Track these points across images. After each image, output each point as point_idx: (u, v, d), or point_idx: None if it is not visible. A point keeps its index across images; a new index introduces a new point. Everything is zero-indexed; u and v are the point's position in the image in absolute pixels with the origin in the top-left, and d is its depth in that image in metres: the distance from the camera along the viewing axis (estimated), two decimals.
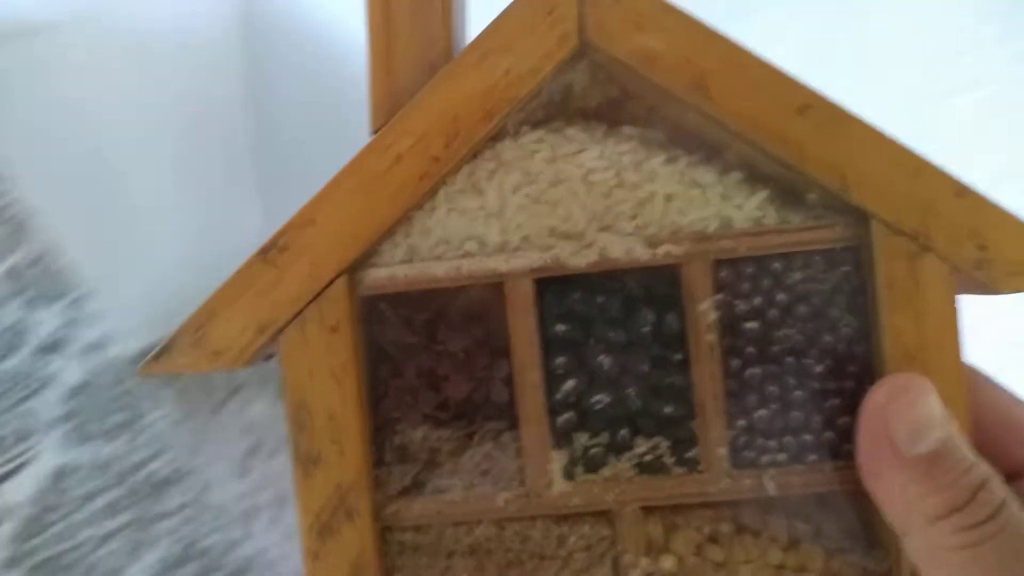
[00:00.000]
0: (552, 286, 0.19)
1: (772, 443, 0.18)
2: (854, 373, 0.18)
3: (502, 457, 0.19)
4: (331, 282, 0.18)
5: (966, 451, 0.16)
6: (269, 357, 0.20)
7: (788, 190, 0.18)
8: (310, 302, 0.18)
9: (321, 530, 0.18)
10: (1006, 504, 0.16)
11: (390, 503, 0.19)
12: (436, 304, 0.19)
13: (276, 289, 0.18)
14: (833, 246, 0.18)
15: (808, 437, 0.18)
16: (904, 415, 0.16)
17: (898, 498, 0.16)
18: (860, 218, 0.18)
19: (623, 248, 0.18)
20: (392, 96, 0.18)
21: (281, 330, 0.18)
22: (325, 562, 0.18)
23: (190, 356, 0.18)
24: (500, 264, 0.18)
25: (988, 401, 0.19)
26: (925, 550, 0.16)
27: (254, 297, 0.18)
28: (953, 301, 0.18)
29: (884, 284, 0.18)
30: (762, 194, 0.19)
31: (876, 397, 0.17)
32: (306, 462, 0.18)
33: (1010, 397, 0.19)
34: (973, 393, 0.18)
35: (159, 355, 0.18)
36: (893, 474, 0.16)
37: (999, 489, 0.16)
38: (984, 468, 0.16)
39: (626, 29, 0.18)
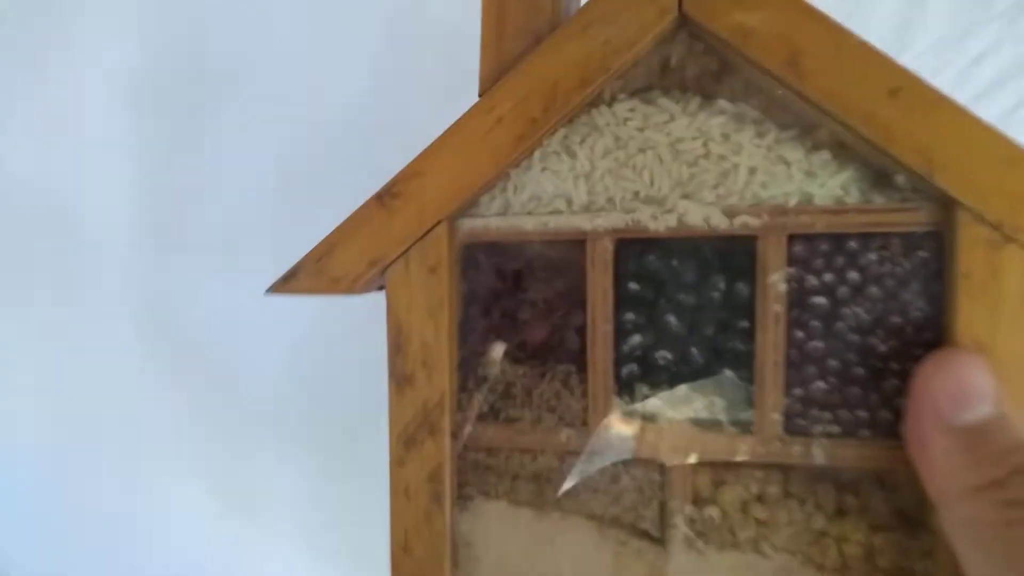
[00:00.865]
0: (631, 246, 0.20)
1: (826, 415, 0.19)
2: (919, 357, 0.18)
3: (568, 397, 0.21)
4: (433, 227, 0.21)
5: (1017, 433, 0.16)
6: (380, 288, 0.23)
7: (875, 171, 0.19)
8: (414, 243, 0.21)
9: (407, 441, 0.21)
10: None
11: (468, 424, 0.21)
12: (524, 255, 0.21)
13: (387, 229, 0.21)
14: (914, 229, 0.19)
15: (863, 413, 0.19)
16: (949, 383, 0.17)
17: (939, 467, 0.17)
18: (945, 204, 0.18)
19: (702, 216, 0.19)
20: (500, 63, 0.20)
21: (389, 265, 0.21)
22: (407, 469, 0.21)
23: (311, 281, 0.21)
24: (584, 223, 0.20)
25: None
26: (960, 523, 0.16)
27: (368, 235, 0.21)
28: None
29: (961, 272, 0.18)
30: (847, 173, 0.19)
31: (926, 366, 0.17)
32: (400, 381, 0.21)
33: None
34: None
35: (286, 280, 0.22)
36: (937, 441, 0.17)
37: None
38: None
39: (724, 4, 0.19)
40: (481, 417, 0.21)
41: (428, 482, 0.21)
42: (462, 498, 0.22)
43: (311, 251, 0.21)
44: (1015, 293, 0.18)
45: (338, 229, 0.21)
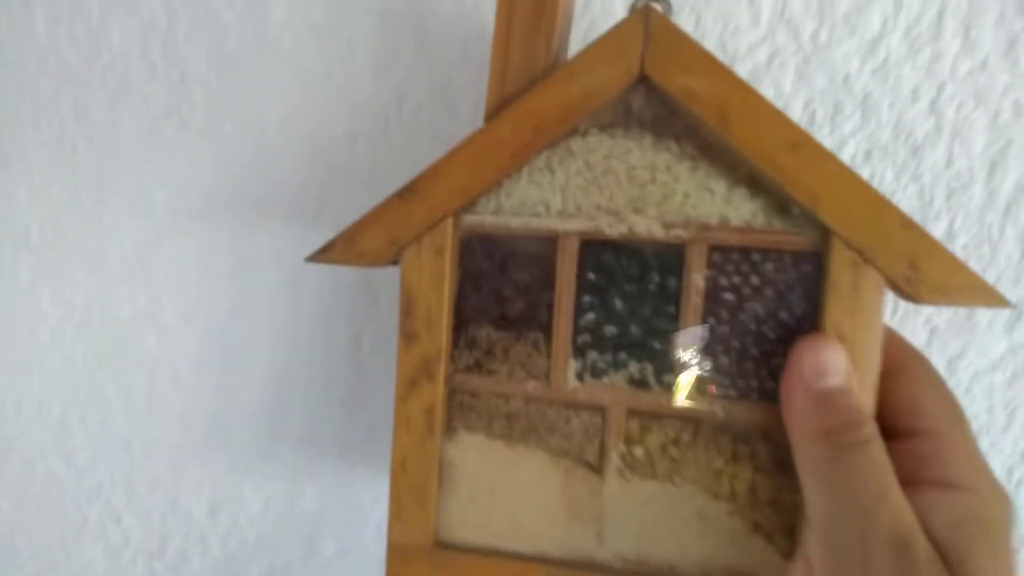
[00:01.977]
0: (592, 245, 0.26)
1: (727, 381, 0.26)
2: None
3: (537, 357, 0.27)
4: (441, 219, 0.27)
5: (857, 400, 0.23)
6: (394, 263, 0.29)
7: (777, 203, 0.25)
8: (426, 231, 0.27)
9: (410, 383, 0.27)
10: (871, 442, 0.22)
11: (457, 374, 0.28)
12: (509, 246, 0.27)
13: (405, 218, 0.27)
14: (801, 249, 0.25)
15: (754, 382, 0.25)
16: (812, 358, 0.23)
17: (796, 420, 0.23)
18: (825, 232, 0.24)
19: (646, 226, 0.26)
20: (502, 98, 0.26)
21: (405, 246, 0.27)
22: (409, 404, 0.27)
23: (344, 254, 0.27)
24: (557, 225, 0.26)
25: (905, 375, 0.25)
26: (805, 458, 0.23)
27: (390, 221, 0.27)
28: (881, 304, 0.24)
29: (832, 283, 0.24)
30: (756, 203, 0.25)
31: (800, 343, 0.24)
32: (408, 337, 0.27)
33: (926, 381, 0.25)
34: (899, 367, 0.24)
35: (323, 251, 0.28)
36: (799, 398, 0.23)
37: (871, 432, 0.22)
38: (864, 416, 0.23)
39: (675, 70, 0.25)
40: (468, 368, 0.28)
41: (424, 415, 0.27)
42: (449, 430, 0.28)
43: (344, 230, 0.27)
44: (868, 301, 0.24)
45: (366, 216, 0.27)
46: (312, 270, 0.36)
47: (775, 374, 0.25)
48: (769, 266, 0.25)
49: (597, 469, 0.27)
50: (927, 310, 0.31)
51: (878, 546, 0.21)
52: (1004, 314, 0.31)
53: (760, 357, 0.25)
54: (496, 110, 0.26)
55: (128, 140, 0.37)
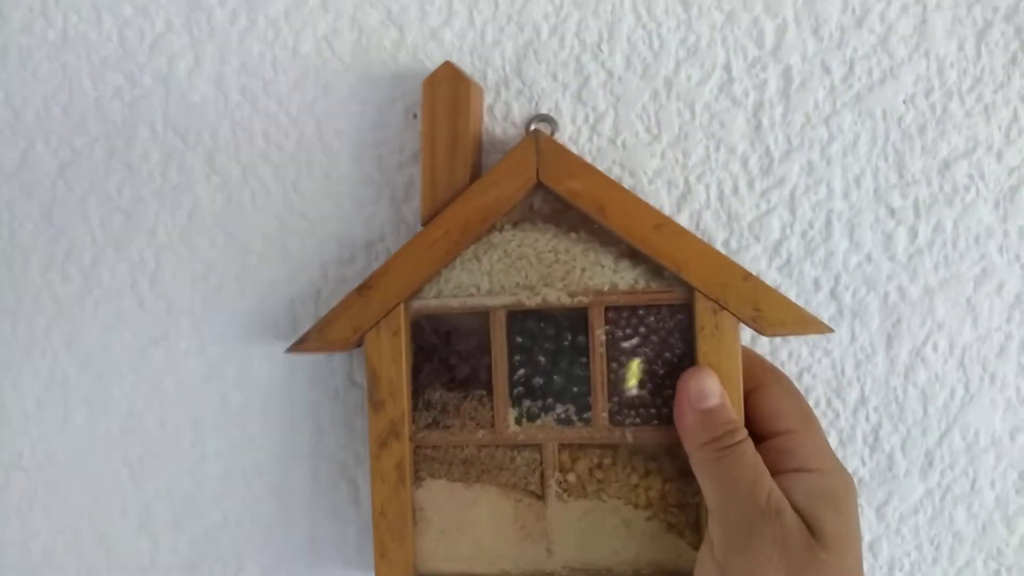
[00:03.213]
0: (516, 315, 0.33)
1: (633, 412, 0.32)
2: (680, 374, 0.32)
3: (482, 410, 0.33)
4: (394, 307, 0.33)
5: (730, 414, 0.30)
6: (358, 346, 0.35)
7: (652, 269, 0.32)
8: (382, 317, 0.33)
9: (381, 444, 0.33)
10: (743, 442, 0.29)
11: (419, 432, 0.34)
12: (451, 322, 0.34)
13: (364, 309, 0.33)
14: (675, 302, 0.32)
15: (653, 410, 0.32)
16: (695, 385, 0.30)
17: (688, 434, 0.30)
18: (690, 288, 0.32)
19: (556, 296, 0.33)
20: (433, 208, 0.33)
21: (366, 332, 0.33)
22: (382, 461, 0.33)
23: (316, 343, 0.34)
24: (488, 301, 0.33)
25: (767, 390, 0.32)
26: (697, 463, 0.30)
27: (352, 313, 0.33)
28: (737, 339, 0.31)
29: (699, 326, 0.32)
30: (637, 270, 0.33)
31: (684, 375, 0.31)
32: (375, 405, 0.33)
33: (781, 392, 0.32)
34: (762, 384, 0.32)
35: (298, 343, 0.34)
36: (688, 419, 0.30)
37: (743, 435, 0.29)
38: (737, 424, 0.30)
39: (561, 176, 0.32)
40: (427, 426, 0.34)
41: (395, 469, 0.33)
42: (417, 479, 0.34)
43: (315, 324, 0.34)
44: (727, 338, 0.31)
45: (332, 311, 0.33)
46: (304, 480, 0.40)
47: (668, 402, 0.32)
48: (652, 318, 0.33)
49: (540, 496, 0.33)
50: (853, 467, 0.36)
51: (758, 519, 0.28)
52: (919, 461, 0.36)
53: (655, 389, 0.33)
54: (430, 217, 0.33)
55: (118, 366, 0.40)
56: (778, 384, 0.32)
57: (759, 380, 0.32)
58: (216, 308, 0.39)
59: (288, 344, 0.35)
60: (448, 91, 0.33)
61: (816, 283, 0.36)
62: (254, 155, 0.38)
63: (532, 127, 0.35)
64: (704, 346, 0.32)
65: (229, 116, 0.38)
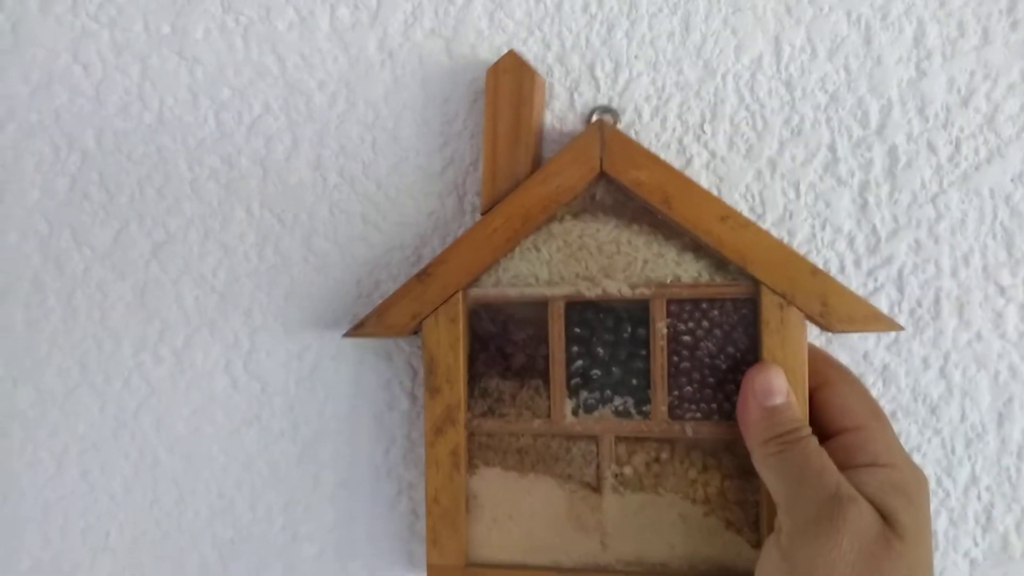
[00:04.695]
0: (574, 306, 0.33)
1: (693, 407, 0.32)
2: (744, 369, 0.31)
3: (538, 400, 0.33)
4: (453, 295, 0.33)
5: (795, 412, 0.29)
6: (415, 332, 0.35)
7: (716, 262, 0.32)
8: (441, 304, 0.33)
9: (436, 430, 0.33)
10: (808, 437, 0.28)
11: (474, 419, 0.34)
12: (509, 312, 0.34)
13: (423, 296, 0.33)
14: (739, 296, 0.32)
15: (714, 405, 0.32)
16: (761, 382, 0.30)
17: (752, 430, 0.30)
18: (755, 282, 0.31)
19: (616, 288, 0.32)
20: (494, 195, 0.33)
21: (425, 318, 0.33)
22: (436, 448, 0.33)
23: (375, 328, 0.34)
24: (546, 291, 0.33)
25: (834, 387, 0.31)
26: (761, 458, 0.29)
27: (411, 299, 0.33)
28: (803, 334, 0.31)
29: (764, 321, 0.31)
30: (700, 263, 0.32)
31: (750, 371, 0.30)
32: (432, 391, 0.33)
33: (850, 389, 0.31)
34: (828, 381, 0.31)
35: (357, 328, 0.34)
36: (753, 415, 0.30)
37: (807, 431, 0.29)
38: (802, 422, 0.29)
39: (626, 166, 0.32)
40: (483, 414, 0.34)
41: (450, 455, 0.33)
42: (471, 467, 0.34)
43: (374, 309, 0.34)
44: (793, 333, 0.31)
45: (391, 296, 0.34)
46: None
47: (730, 397, 0.32)
48: (715, 312, 0.32)
49: (595, 488, 0.33)
50: (965, 547, 0.35)
51: (828, 506, 0.27)
52: None
53: (716, 384, 0.32)
54: (490, 206, 0.33)
55: (209, 448, 0.40)
56: (845, 381, 0.32)
57: (825, 376, 0.31)
58: (311, 388, 0.39)
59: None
60: (512, 80, 0.33)
61: (925, 362, 0.35)
62: (352, 236, 0.38)
63: (595, 118, 0.35)
64: (769, 341, 0.31)
65: (327, 197, 0.39)
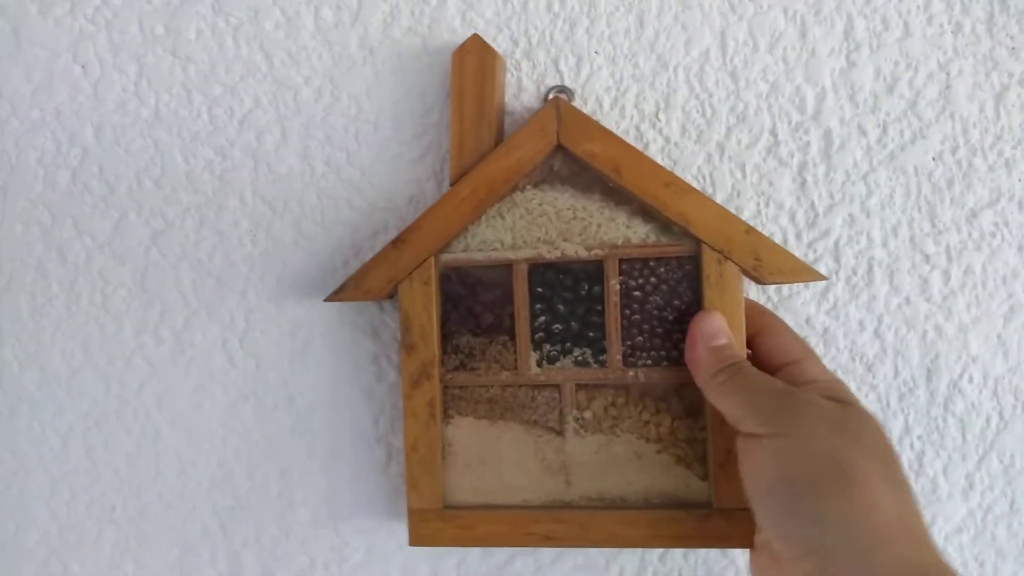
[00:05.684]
0: (537, 268, 0.36)
1: (644, 355, 0.36)
2: (688, 320, 0.35)
3: (506, 354, 0.37)
4: (425, 260, 0.36)
5: (735, 350, 0.33)
6: (391, 296, 0.38)
7: (662, 224, 0.36)
8: (415, 269, 0.36)
9: (413, 384, 0.36)
10: (748, 366, 0.32)
11: (448, 373, 0.37)
12: (477, 274, 0.37)
13: (398, 261, 0.36)
14: (683, 254, 0.35)
15: (663, 352, 0.35)
16: (707, 325, 0.33)
17: (699, 368, 0.33)
18: (697, 241, 0.35)
19: (573, 250, 0.36)
20: (462, 168, 0.36)
21: (400, 282, 0.36)
22: (413, 400, 0.36)
23: (353, 293, 0.37)
24: (510, 255, 0.36)
25: (768, 330, 0.35)
26: (711, 391, 0.33)
27: (387, 265, 0.36)
28: (740, 286, 0.34)
29: (705, 276, 0.35)
30: (648, 226, 0.36)
31: (695, 318, 0.34)
32: (408, 348, 0.36)
33: (782, 332, 0.35)
34: (764, 328, 0.35)
35: (337, 292, 0.37)
36: (701, 354, 0.33)
37: (746, 363, 0.32)
38: (741, 357, 0.33)
39: (580, 139, 0.35)
40: (455, 368, 0.37)
41: (427, 406, 0.36)
42: (446, 416, 0.37)
43: (352, 275, 0.37)
44: (731, 285, 0.34)
45: (368, 263, 0.36)
46: None
47: (677, 345, 0.35)
48: (662, 269, 0.36)
49: (559, 432, 0.36)
50: None
51: (784, 396, 0.30)
52: (960, 483, 0.38)
53: (664, 334, 0.36)
54: (458, 177, 0.36)
55: (208, 422, 0.42)
56: (779, 326, 0.36)
57: (762, 324, 0.35)
58: (303, 363, 0.42)
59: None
60: (475, 61, 0.36)
61: (861, 324, 0.39)
62: (339, 221, 0.41)
63: (551, 96, 0.38)
64: (711, 293, 0.35)
65: (315, 185, 0.41)
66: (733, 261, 0.34)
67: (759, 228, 0.39)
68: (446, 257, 0.37)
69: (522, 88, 0.40)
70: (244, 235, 0.42)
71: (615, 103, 0.40)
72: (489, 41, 0.38)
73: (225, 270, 0.42)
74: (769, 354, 0.35)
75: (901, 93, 0.39)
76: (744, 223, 0.35)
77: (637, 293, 0.36)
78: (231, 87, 0.41)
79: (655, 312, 0.36)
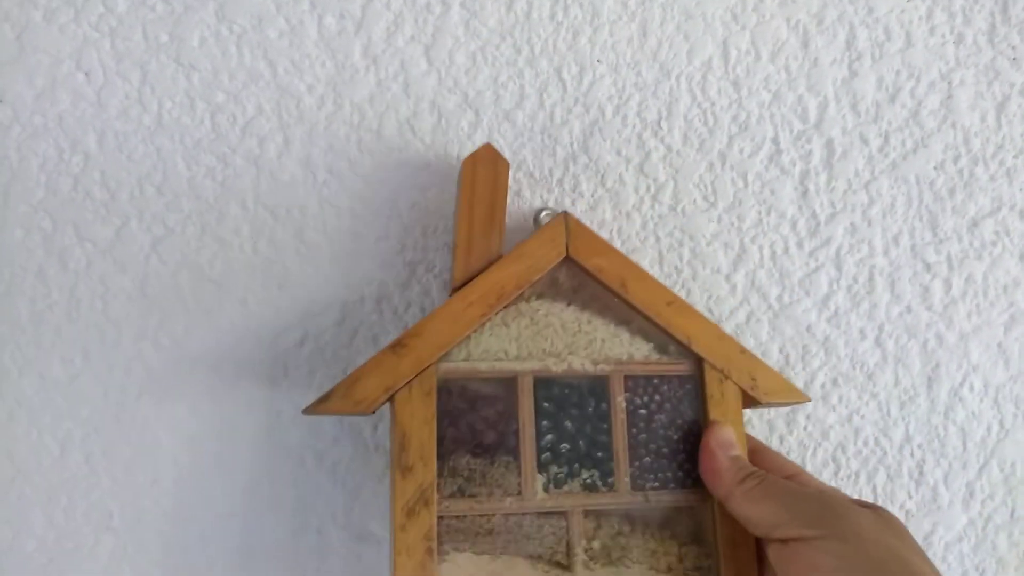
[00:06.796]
0: (542, 381, 0.34)
1: (651, 476, 0.34)
2: (693, 439, 0.35)
3: (509, 477, 0.33)
4: (426, 368, 0.33)
5: (745, 461, 0.33)
6: (373, 411, 0.33)
7: (663, 343, 0.36)
8: (414, 377, 0.32)
9: (408, 513, 0.31)
10: (768, 476, 0.32)
11: (444, 501, 0.32)
12: (476, 388, 0.34)
13: (396, 368, 0.32)
14: (685, 373, 0.36)
15: (670, 474, 0.34)
16: (723, 436, 0.33)
17: (723, 476, 0.32)
18: (698, 360, 0.36)
19: (580, 364, 0.35)
20: (467, 273, 0.34)
21: (397, 392, 0.32)
22: (408, 532, 0.31)
23: (340, 404, 0.31)
24: (515, 366, 0.34)
25: (759, 447, 0.36)
26: (734, 497, 0.32)
27: (383, 372, 0.32)
28: (740, 404, 0.35)
29: (709, 394, 0.35)
30: (650, 344, 0.36)
31: (709, 430, 0.34)
32: (403, 470, 0.31)
33: (772, 452, 0.36)
34: (756, 448, 0.35)
35: (320, 402, 0.31)
36: (720, 465, 0.32)
37: (763, 473, 0.32)
38: (754, 467, 0.33)
39: (589, 253, 0.35)
40: (452, 494, 0.32)
41: (423, 540, 0.31)
42: (441, 552, 0.32)
43: (340, 383, 0.32)
44: (732, 403, 0.35)
45: (362, 368, 0.32)
46: None
47: (682, 465, 0.35)
48: (665, 387, 0.35)
49: (567, 566, 0.33)
50: (900, 499, 0.39)
51: (833, 500, 0.30)
52: (961, 493, 0.39)
53: (670, 454, 0.35)
54: (463, 282, 0.34)
55: (207, 429, 0.40)
56: (766, 447, 0.37)
57: (751, 445, 0.36)
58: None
59: None
60: (488, 170, 0.36)
61: (862, 332, 0.40)
62: (341, 229, 0.40)
63: (541, 216, 0.39)
64: (715, 412, 0.35)
65: (317, 193, 0.40)
66: (733, 380, 0.35)
67: (761, 237, 0.40)
68: (445, 366, 0.33)
69: (525, 97, 0.40)
70: (245, 242, 0.40)
71: (617, 111, 0.40)
72: (492, 50, 0.38)
73: (226, 277, 0.40)
74: (768, 470, 0.35)
75: (903, 103, 0.40)
76: (738, 344, 0.36)
77: (643, 411, 0.35)
78: (234, 94, 0.41)
79: (660, 431, 0.35)
